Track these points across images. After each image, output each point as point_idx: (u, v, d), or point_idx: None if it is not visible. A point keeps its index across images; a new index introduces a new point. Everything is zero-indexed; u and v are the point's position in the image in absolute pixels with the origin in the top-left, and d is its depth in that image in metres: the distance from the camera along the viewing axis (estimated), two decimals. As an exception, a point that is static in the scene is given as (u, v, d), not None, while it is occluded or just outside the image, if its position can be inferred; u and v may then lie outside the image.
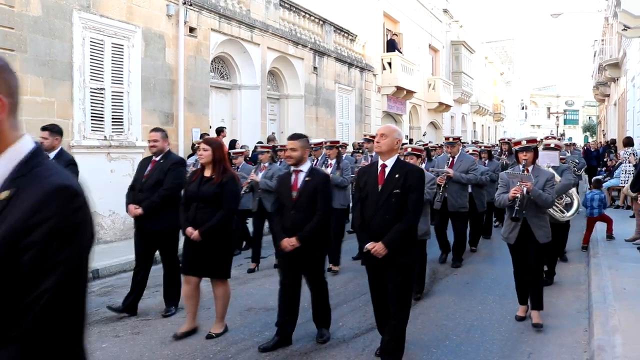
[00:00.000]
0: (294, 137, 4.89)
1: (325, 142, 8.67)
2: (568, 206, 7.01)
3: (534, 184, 5.16)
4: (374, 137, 8.68)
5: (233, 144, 11.92)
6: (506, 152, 11.05)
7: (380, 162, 4.33)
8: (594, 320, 5.15)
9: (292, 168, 4.81)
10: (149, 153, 6.09)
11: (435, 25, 27.62)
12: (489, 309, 5.94)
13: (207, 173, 4.95)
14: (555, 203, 6.58)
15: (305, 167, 4.81)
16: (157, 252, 5.85)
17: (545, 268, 6.49)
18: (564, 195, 6.93)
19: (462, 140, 17.40)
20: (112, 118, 9.73)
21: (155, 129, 5.90)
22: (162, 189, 5.49)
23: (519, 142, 5.59)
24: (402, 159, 6.85)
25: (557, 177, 6.36)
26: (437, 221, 8.06)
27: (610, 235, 9.30)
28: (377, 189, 4.24)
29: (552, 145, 7.15)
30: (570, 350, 4.77)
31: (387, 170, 4.27)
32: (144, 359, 4.55)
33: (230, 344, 4.84)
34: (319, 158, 8.60)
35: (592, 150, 21.27)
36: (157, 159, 5.66)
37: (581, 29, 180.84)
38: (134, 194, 5.65)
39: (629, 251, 8.33)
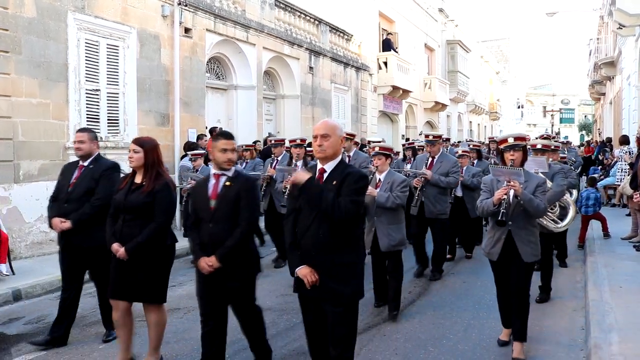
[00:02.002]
0: (233, 136, 4.05)
1: (292, 140, 7.91)
2: (564, 211, 6.36)
3: (524, 189, 4.36)
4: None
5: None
6: (494, 152, 11.04)
7: (319, 166, 3.56)
8: (590, 318, 5.16)
9: (213, 171, 3.99)
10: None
11: (430, 24, 27.64)
12: (485, 307, 5.95)
13: (138, 179, 4.23)
14: (548, 212, 5.90)
15: (230, 170, 3.95)
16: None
17: (540, 283, 6.22)
18: (557, 203, 6.22)
19: (445, 139, 17.36)
20: (108, 119, 9.71)
21: (82, 129, 5.14)
22: (94, 199, 4.76)
23: (504, 140, 4.63)
24: (371, 161, 6.20)
25: (549, 183, 5.74)
26: (413, 229, 7.38)
27: (606, 234, 9.32)
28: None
29: (539, 147, 6.10)
30: (567, 348, 4.78)
31: (325, 176, 3.50)
32: (140, 360, 4.54)
33: (228, 344, 4.81)
34: (279, 158, 8.21)
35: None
36: (85, 163, 4.93)
37: (576, 27, 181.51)
38: (59, 205, 4.86)
39: (625, 249, 8.36)
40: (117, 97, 9.90)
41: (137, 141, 4.29)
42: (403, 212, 5.78)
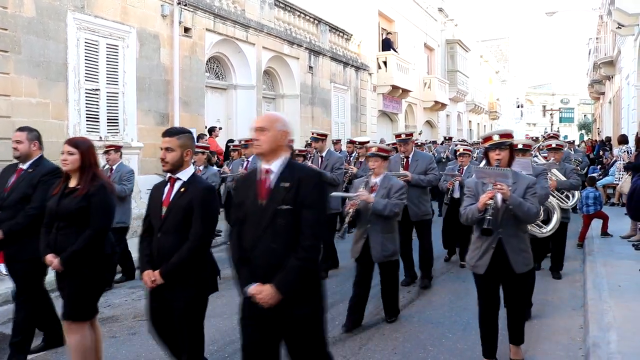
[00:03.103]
0: (171, 132, 3.56)
1: (247, 140, 7.58)
2: (552, 212, 5.98)
3: (512, 191, 3.93)
4: (321, 136, 7.73)
5: (228, 143, 11.92)
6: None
7: (263, 166, 3.07)
8: (589, 317, 5.17)
9: (168, 175, 3.55)
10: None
11: (430, 24, 27.65)
12: (485, 306, 5.94)
13: (73, 183, 3.81)
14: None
15: (185, 174, 3.53)
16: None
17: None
18: (541, 207, 5.55)
19: (448, 137, 17.14)
20: (108, 119, 9.72)
21: (21, 128, 4.55)
22: (29, 207, 4.25)
23: (489, 138, 4.17)
24: (362, 161, 5.85)
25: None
26: (401, 235, 6.55)
27: (605, 233, 9.33)
28: (259, 206, 2.98)
29: (520, 146, 5.48)
30: (566, 347, 4.79)
31: (272, 177, 3.01)
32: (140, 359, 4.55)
33: (227, 344, 4.85)
34: (250, 159, 7.96)
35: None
36: (25, 167, 4.40)
37: (576, 27, 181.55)
38: None
39: (624, 248, 8.36)
40: (117, 96, 9.91)
41: (71, 142, 3.84)
42: (396, 221, 5.45)
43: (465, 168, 7.91)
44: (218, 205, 3.82)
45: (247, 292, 2.93)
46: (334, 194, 6.68)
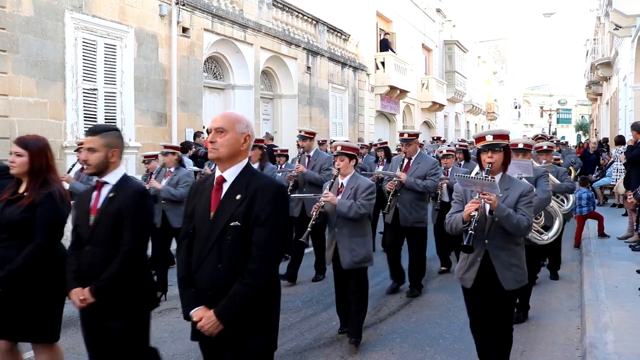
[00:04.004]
0: (94, 131, 3.13)
1: (166, 146, 6.99)
2: (554, 218, 5.62)
3: (502, 200, 3.50)
4: (310, 134, 7.26)
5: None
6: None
7: (217, 173, 2.68)
8: (586, 317, 5.19)
9: (95, 179, 3.13)
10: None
11: (428, 24, 27.67)
12: (482, 307, 5.95)
13: (22, 188, 3.36)
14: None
15: (113, 177, 3.09)
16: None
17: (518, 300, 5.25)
18: (542, 212, 5.43)
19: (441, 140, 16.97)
20: (105, 118, 9.71)
21: None
22: None
23: (482, 138, 3.66)
24: (334, 161, 4.97)
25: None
26: (389, 240, 6.64)
27: (602, 234, 9.34)
28: (208, 219, 2.61)
29: (520, 146, 5.11)
30: (563, 347, 4.81)
31: (225, 187, 2.63)
32: None
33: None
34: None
35: (591, 152, 17.04)
36: None
37: (573, 28, 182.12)
38: None
39: (621, 249, 8.39)
40: (115, 96, 9.90)
41: (20, 141, 3.38)
42: (369, 223, 5.01)
43: (449, 170, 7.60)
44: (152, 211, 3.29)
45: (190, 316, 2.61)
46: (293, 195, 6.38)
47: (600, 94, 31.65)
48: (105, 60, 9.67)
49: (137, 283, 3.05)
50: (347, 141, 5.81)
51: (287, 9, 15.79)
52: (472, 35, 39.10)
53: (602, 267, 7.15)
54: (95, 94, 9.50)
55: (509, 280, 3.57)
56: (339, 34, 18.86)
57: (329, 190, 4.88)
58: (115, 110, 9.90)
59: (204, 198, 2.66)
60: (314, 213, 4.83)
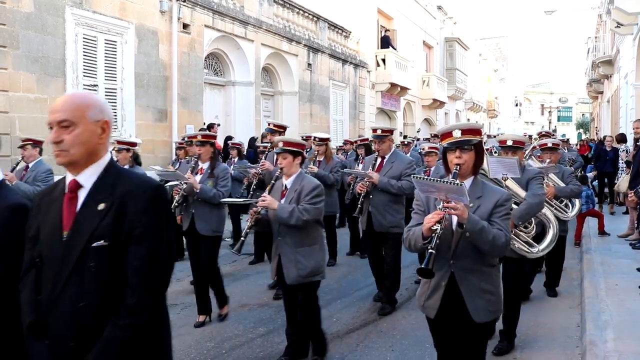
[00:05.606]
0: None
1: (120, 142, 6.40)
2: (553, 225, 4.86)
3: (473, 211, 2.77)
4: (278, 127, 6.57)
5: (227, 140, 11.91)
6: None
7: (70, 177, 1.99)
8: (586, 315, 5.18)
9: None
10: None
11: (429, 21, 27.64)
12: (482, 304, 5.94)
13: None
14: (519, 232, 4.42)
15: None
16: None
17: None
18: (532, 220, 4.65)
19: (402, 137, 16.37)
20: (106, 115, 9.70)
21: None
22: None
23: (448, 134, 2.90)
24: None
25: (521, 193, 4.39)
26: (368, 248, 6.10)
27: (603, 232, 9.33)
28: (61, 241, 1.91)
29: (509, 144, 4.56)
30: (563, 345, 4.80)
31: (83, 195, 1.96)
32: (137, 356, 4.53)
33: (224, 340, 4.85)
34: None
35: (607, 149, 12.77)
36: None
37: (575, 26, 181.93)
38: None
39: (621, 247, 8.38)
40: (115, 92, 9.90)
41: None
42: (319, 230, 4.28)
43: (432, 169, 7.14)
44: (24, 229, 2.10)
45: None
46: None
47: (601, 92, 31.62)
48: (105, 57, 9.67)
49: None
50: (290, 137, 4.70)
51: (288, 5, 15.77)
52: (473, 33, 39.06)
53: (602, 265, 7.14)
54: (95, 90, 9.49)
55: (479, 310, 2.85)
56: (339, 31, 18.84)
57: (269, 193, 4.14)
58: (115, 106, 9.89)
59: (51, 213, 1.96)
60: (249, 220, 4.15)
